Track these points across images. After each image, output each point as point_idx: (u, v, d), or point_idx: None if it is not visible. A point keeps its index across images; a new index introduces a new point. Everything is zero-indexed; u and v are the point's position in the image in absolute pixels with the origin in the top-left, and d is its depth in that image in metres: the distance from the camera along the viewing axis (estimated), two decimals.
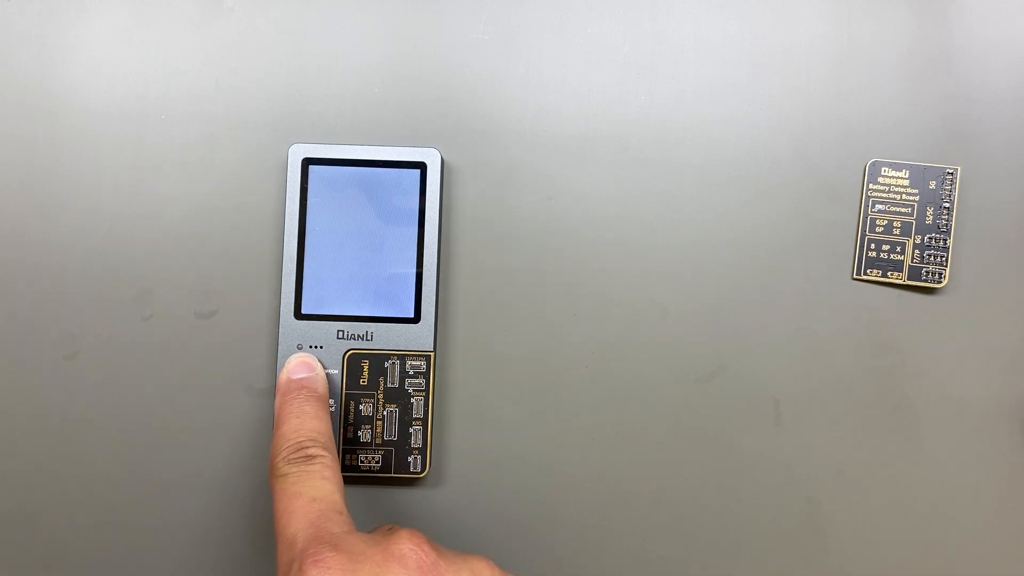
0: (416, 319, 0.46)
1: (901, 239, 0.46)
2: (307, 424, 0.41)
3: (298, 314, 0.46)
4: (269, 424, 0.46)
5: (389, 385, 0.45)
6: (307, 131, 0.48)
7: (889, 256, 0.46)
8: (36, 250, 0.47)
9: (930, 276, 0.46)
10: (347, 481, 0.46)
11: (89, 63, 0.48)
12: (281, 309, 0.46)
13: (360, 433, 0.45)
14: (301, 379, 0.44)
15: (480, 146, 0.48)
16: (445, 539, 0.46)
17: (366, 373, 0.45)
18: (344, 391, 0.45)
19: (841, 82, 0.47)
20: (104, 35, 0.49)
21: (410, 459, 0.45)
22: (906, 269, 0.46)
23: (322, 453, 0.39)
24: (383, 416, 0.45)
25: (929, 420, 0.46)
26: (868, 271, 0.46)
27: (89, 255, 0.47)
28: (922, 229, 0.46)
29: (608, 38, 0.48)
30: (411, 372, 0.45)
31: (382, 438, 0.45)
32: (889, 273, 0.46)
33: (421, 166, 0.46)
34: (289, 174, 0.46)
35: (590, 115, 0.48)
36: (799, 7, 0.48)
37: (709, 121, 0.47)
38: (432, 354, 0.46)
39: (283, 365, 0.44)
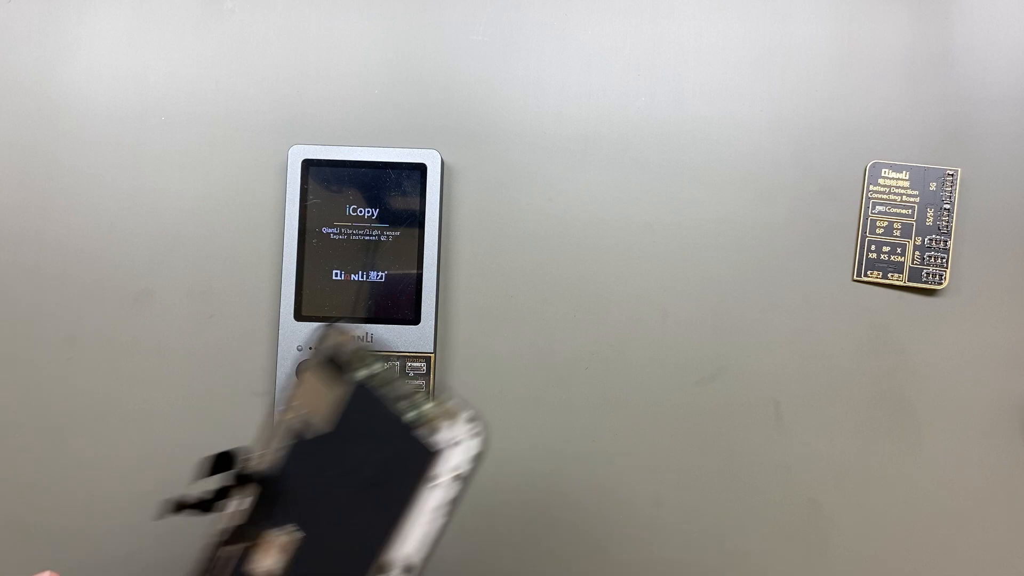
0: (416, 321, 0.45)
1: (901, 240, 0.46)
2: None
3: (298, 315, 0.45)
4: (270, 424, 0.46)
5: None
6: (307, 132, 0.48)
7: (889, 257, 0.46)
8: (35, 252, 0.47)
9: (931, 277, 0.46)
10: None
11: (89, 64, 0.48)
12: (281, 310, 0.46)
13: None
14: None
15: (480, 147, 0.48)
16: (445, 541, 0.46)
17: None
18: None
19: (841, 84, 0.47)
20: (104, 37, 0.49)
21: None
22: (906, 270, 0.46)
23: None
24: None
25: (930, 421, 0.46)
26: (868, 272, 0.46)
27: (89, 257, 0.47)
28: (922, 230, 0.46)
29: (608, 40, 0.48)
30: (411, 374, 0.45)
31: None
32: (890, 274, 0.46)
33: (421, 167, 0.46)
34: (289, 175, 0.46)
35: (590, 116, 0.47)
36: (799, 9, 0.48)
37: (709, 123, 0.47)
38: (432, 356, 0.45)
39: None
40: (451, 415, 0.32)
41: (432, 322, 0.45)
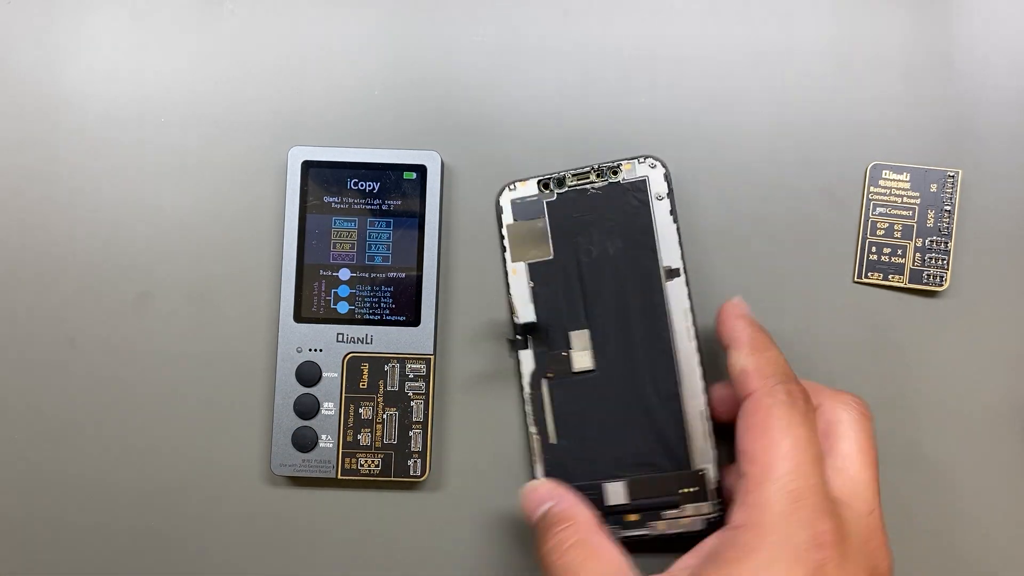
0: (416, 322, 0.45)
1: (902, 242, 0.46)
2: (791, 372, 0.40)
3: (298, 317, 0.45)
4: (266, 428, 0.46)
5: (389, 388, 0.45)
6: (307, 134, 0.48)
7: (890, 259, 0.46)
8: (34, 253, 0.47)
9: (931, 279, 0.45)
10: (347, 485, 0.46)
11: (89, 65, 0.48)
12: (281, 312, 0.46)
13: (360, 437, 0.45)
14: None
15: (480, 148, 0.48)
16: (443, 543, 0.46)
17: (366, 376, 0.45)
18: (344, 394, 0.45)
19: (842, 85, 0.47)
20: (104, 37, 0.49)
21: (410, 463, 0.45)
22: (907, 272, 0.46)
23: (812, 404, 0.39)
24: (383, 420, 0.45)
25: (930, 423, 0.46)
26: (869, 274, 0.46)
27: (88, 258, 0.47)
28: (923, 232, 0.46)
29: (608, 40, 0.48)
30: (411, 375, 0.45)
31: (382, 442, 0.45)
32: (890, 276, 0.46)
33: (421, 169, 0.46)
34: (289, 177, 0.46)
35: (590, 117, 0.47)
36: (800, 10, 0.47)
37: (709, 123, 0.47)
38: (432, 357, 0.45)
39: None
40: (628, 162, 0.45)
41: (432, 324, 0.45)
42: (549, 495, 0.42)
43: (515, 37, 0.48)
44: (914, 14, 0.47)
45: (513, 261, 0.46)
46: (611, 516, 0.44)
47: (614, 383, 0.44)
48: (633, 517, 0.44)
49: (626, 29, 0.48)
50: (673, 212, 0.44)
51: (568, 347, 0.45)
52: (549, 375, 0.45)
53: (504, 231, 0.46)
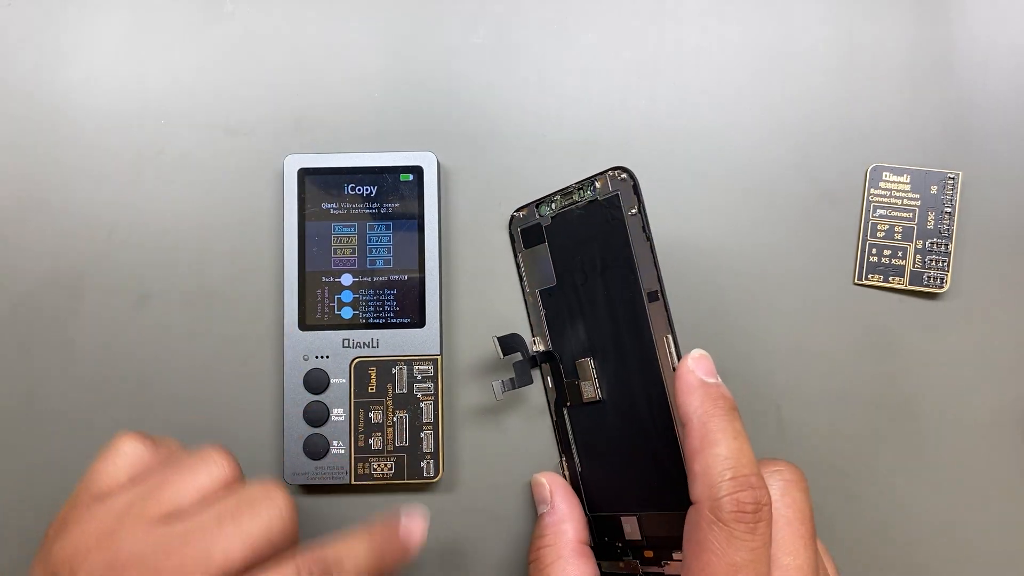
0: (421, 323, 0.46)
1: (903, 244, 0.46)
2: (749, 454, 0.35)
3: (303, 325, 0.46)
4: (277, 437, 0.47)
5: (398, 391, 0.46)
6: (305, 136, 0.47)
7: (891, 261, 0.46)
8: (33, 257, 0.47)
9: (932, 281, 0.46)
10: (361, 490, 0.47)
11: (88, 69, 0.48)
12: (285, 320, 0.46)
13: (371, 441, 0.46)
14: (719, 386, 0.38)
15: (479, 150, 0.47)
16: (460, 543, 0.47)
17: (374, 380, 0.46)
18: (353, 400, 0.46)
19: (842, 87, 0.47)
20: (103, 41, 0.48)
21: (423, 464, 0.46)
22: (907, 274, 0.46)
23: (767, 506, 0.34)
24: (393, 422, 0.46)
25: (931, 425, 0.46)
26: (869, 276, 0.46)
27: (87, 264, 0.47)
28: (924, 234, 0.46)
29: (608, 42, 0.47)
30: (419, 377, 0.46)
31: (394, 444, 0.46)
32: (891, 278, 0.46)
33: (417, 170, 0.46)
34: (286, 185, 0.46)
35: (590, 119, 0.47)
36: (800, 12, 0.47)
37: (710, 126, 0.47)
38: (439, 358, 0.46)
39: (682, 360, 0.38)
40: (600, 178, 0.42)
41: (437, 324, 0.46)
42: (543, 499, 0.44)
43: (515, 39, 0.47)
44: (914, 16, 0.47)
45: (529, 289, 0.46)
46: (632, 551, 0.42)
47: (619, 414, 0.42)
48: (649, 554, 0.41)
49: (627, 32, 0.47)
50: (646, 229, 0.40)
51: (577, 376, 0.44)
52: (568, 404, 0.45)
53: (519, 259, 0.46)
